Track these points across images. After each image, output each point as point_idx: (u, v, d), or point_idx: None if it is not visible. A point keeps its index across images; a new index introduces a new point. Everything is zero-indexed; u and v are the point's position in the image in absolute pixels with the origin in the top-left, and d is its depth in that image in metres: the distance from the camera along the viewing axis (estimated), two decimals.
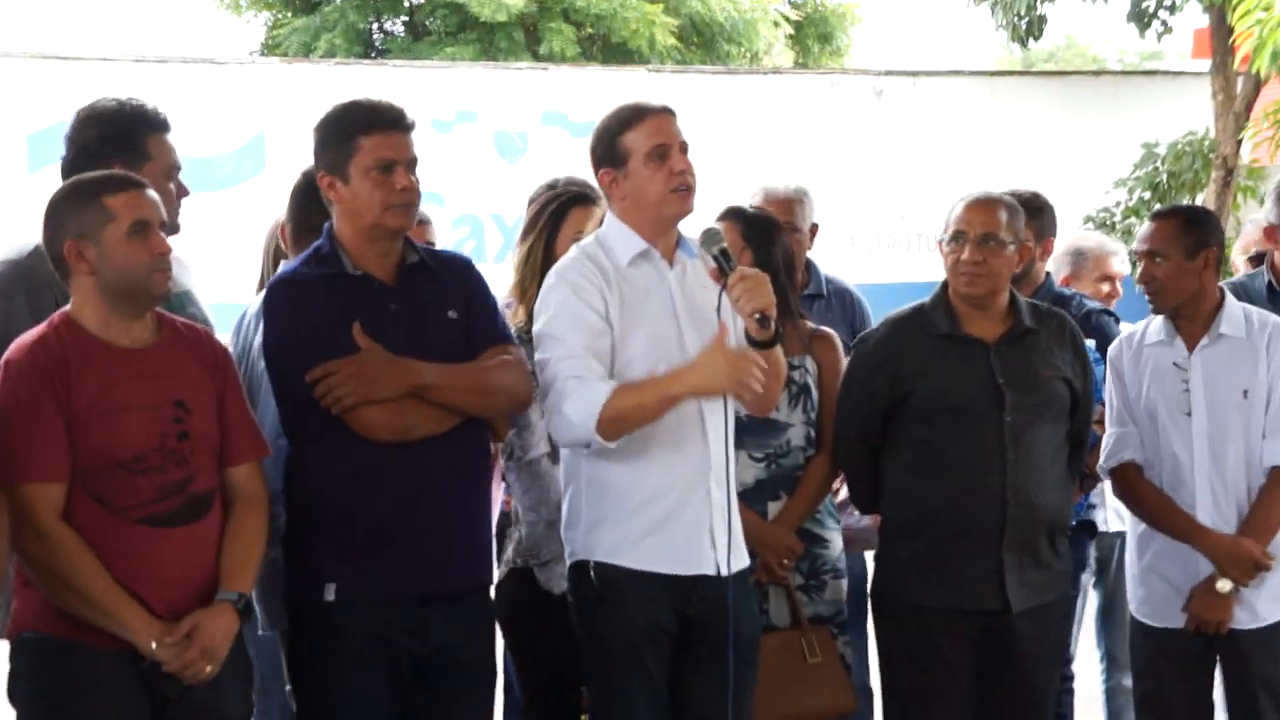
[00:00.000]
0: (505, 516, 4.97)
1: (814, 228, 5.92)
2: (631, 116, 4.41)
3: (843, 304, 5.94)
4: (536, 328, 4.40)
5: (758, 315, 4.20)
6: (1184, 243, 4.95)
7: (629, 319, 4.34)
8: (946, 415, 4.81)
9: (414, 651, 4.23)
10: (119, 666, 3.89)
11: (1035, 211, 5.64)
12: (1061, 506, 4.90)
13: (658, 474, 4.34)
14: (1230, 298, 5.03)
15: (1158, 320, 5.06)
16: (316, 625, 4.23)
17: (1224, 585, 4.87)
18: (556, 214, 4.95)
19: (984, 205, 4.86)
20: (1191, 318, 5.00)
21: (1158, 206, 14.74)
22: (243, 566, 4.06)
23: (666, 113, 4.43)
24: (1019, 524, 4.76)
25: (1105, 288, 6.57)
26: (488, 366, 4.31)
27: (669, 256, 4.45)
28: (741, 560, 4.47)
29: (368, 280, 4.26)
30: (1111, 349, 5.19)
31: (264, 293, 4.38)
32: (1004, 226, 4.81)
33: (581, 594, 4.43)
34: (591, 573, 4.37)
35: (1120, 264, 6.81)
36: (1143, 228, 5.11)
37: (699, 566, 4.37)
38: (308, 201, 4.55)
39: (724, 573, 4.38)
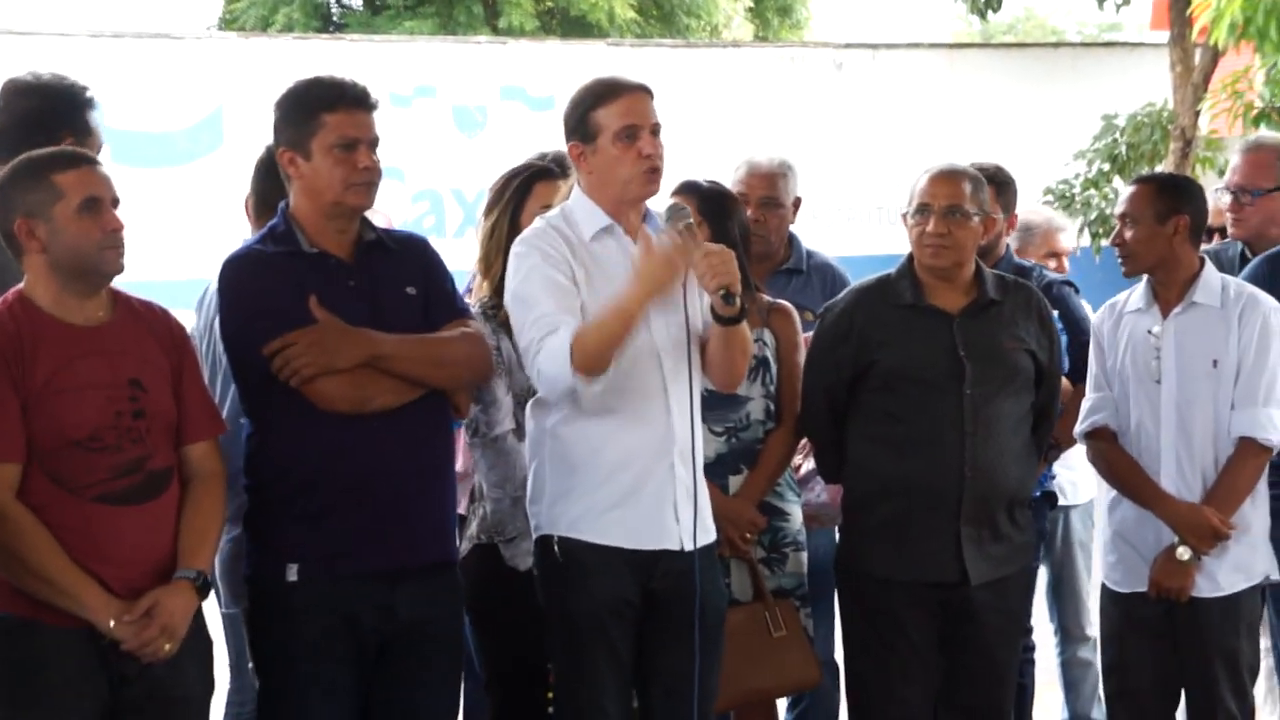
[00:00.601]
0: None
1: (797, 201, 5.91)
2: (605, 92, 4.38)
3: (823, 279, 5.91)
4: (507, 296, 4.38)
5: (722, 291, 4.19)
6: (1155, 208, 4.97)
7: (592, 292, 4.32)
8: (908, 386, 4.81)
9: (379, 629, 4.22)
10: (77, 645, 3.87)
11: (1000, 185, 5.66)
12: (1023, 479, 4.91)
13: (621, 448, 4.33)
14: (1210, 267, 5.04)
15: (1140, 287, 5.09)
16: (278, 605, 4.21)
17: (1183, 553, 4.89)
18: (521, 189, 4.93)
19: (948, 177, 4.86)
20: (1167, 285, 5.02)
21: (1117, 178, 14.80)
22: (201, 544, 4.04)
23: (642, 91, 4.40)
24: (977, 497, 4.77)
25: (1052, 264, 6.58)
26: (446, 337, 4.30)
27: (633, 232, 4.42)
28: (707, 535, 4.46)
29: (324, 258, 4.24)
30: (1095, 316, 5.21)
31: (218, 272, 4.35)
32: (968, 198, 4.81)
33: (546, 569, 4.42)
34: (555, 547, 4.36)
35: (1068, 240, 6.83)
36: (1123, 191, 5.15)
37: (663, 541, 4.37)
38: (271, 177, 4.53)
39: (688, 547, 4.38)
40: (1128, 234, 5.01)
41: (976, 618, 4.84)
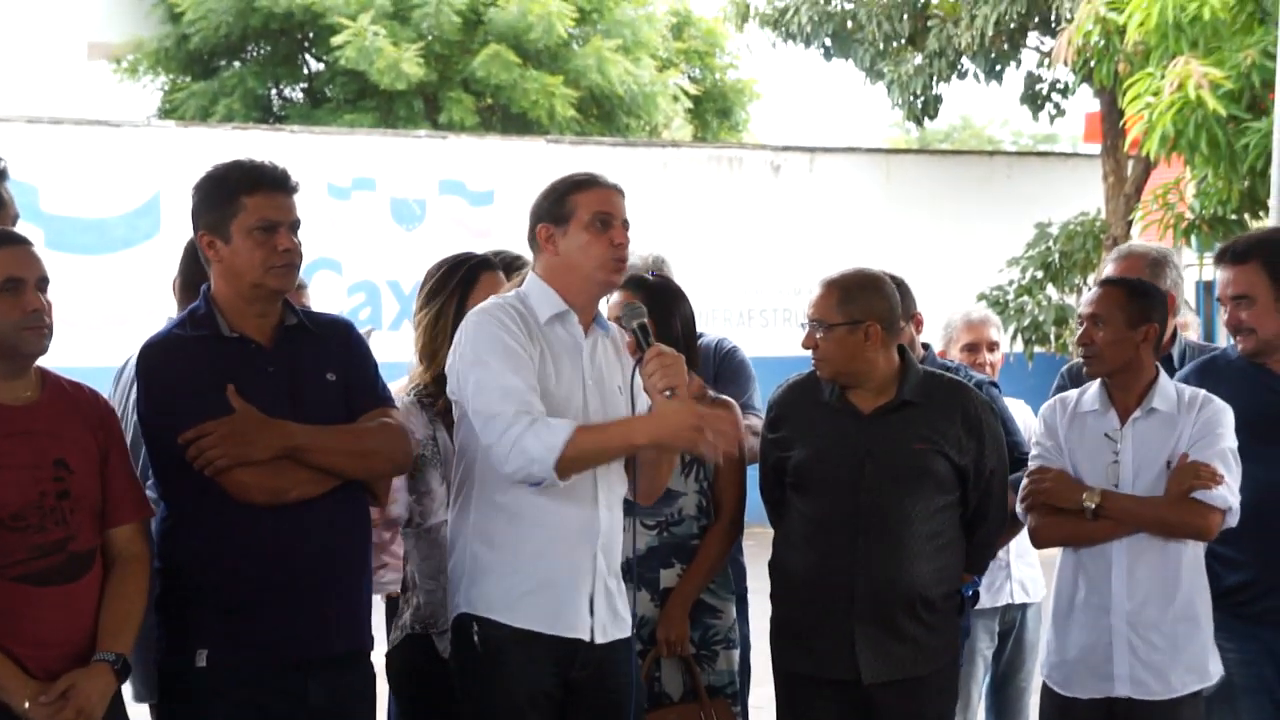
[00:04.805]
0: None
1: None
2: (585, 181, 4.46)
3: (707, 358, 5.82)
4: (457, 359, 4.34)
5: (669, 393, 4.25)
6: (1127, 311, 4.99)
7: (544, 375, 4.34)
8: (813, 483, 4.86)
9: (291, 718, 4.16)
10: None
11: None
12: (930, 578, 4.83)
13: (544, 533, 4.32)
14: (1163, 374, 5.07)
15: (1093, 389, 5.08)
16: (188, 692, 4.16)
17: (1088, 498, 4.88)
18: (467, 277, 4.95)
19: (820, 289, 4.90)
20: (1125, 389, 5.02)
21: (1050, 285, 14.94)
22: (122, 627, 3.99)
23: (617, 190, 4.49)
24: (870, 596, 4.76)
25: (975, 356, 6.58)
26: (365, 428, 4.27)
27: (587, 323, 4.47)
28: (621, 631, 4.46)
29: (244, 342, 4.22)
30: (1044, 406, 5.18)
31: (137, 355, 4.33)
32: (835, 309, 4.82)
33: (463, 654, 4.39)
34: (474, 630, 4.34)
35: (995, 333, 6.82)
36: (1089, 292, 5.16)
37: (575, 630, 4.35)
38: (197, 260, 4.53)
39: (599, 640, 4.37)
40: (1097, 335, 5.01)
41: (884, 719, 4.81)
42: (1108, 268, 5.88)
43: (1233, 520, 4.87)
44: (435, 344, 4.84)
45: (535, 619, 4.32)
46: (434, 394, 4.73)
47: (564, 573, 4.33)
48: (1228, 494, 4.84)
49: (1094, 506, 4.87)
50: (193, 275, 4.62)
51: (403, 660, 4.72)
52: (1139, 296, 5.04)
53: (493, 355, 4.27)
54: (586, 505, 4.36)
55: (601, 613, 4.39)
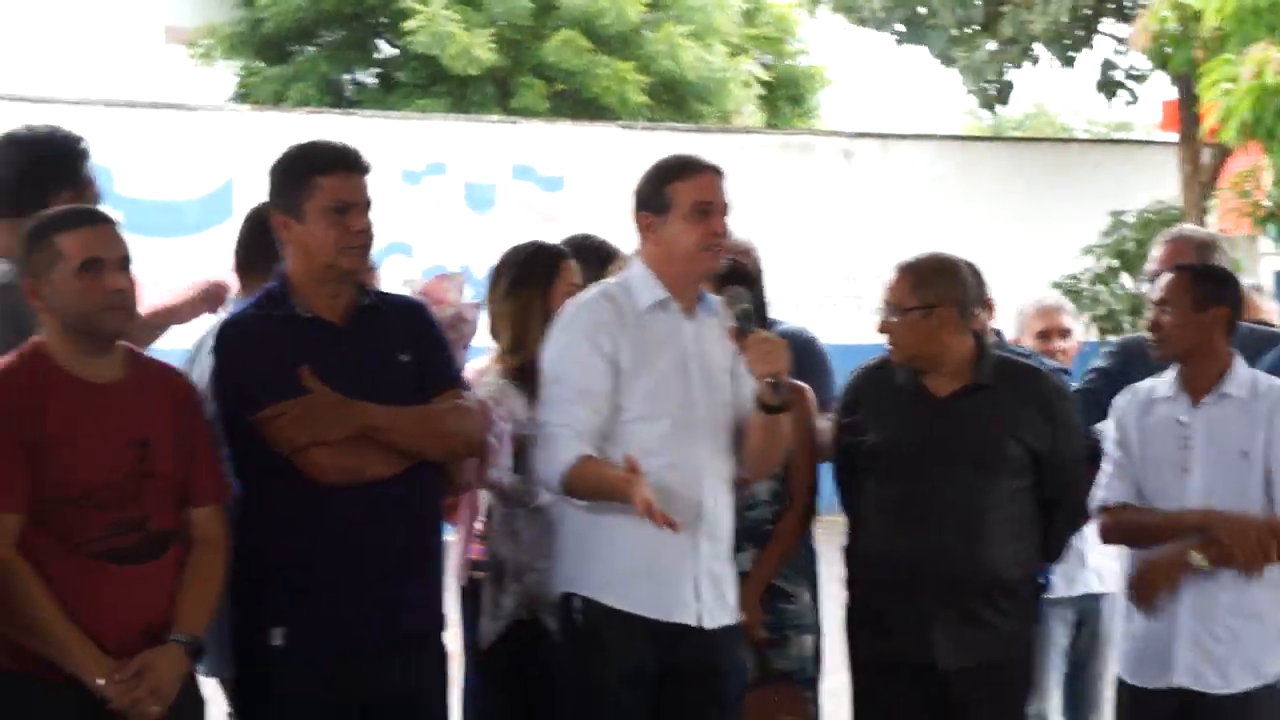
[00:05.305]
0: (474, 565, 4.94)
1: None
2: (682, 168, 4.48)
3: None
4: (545, 366, 4.45)
5: (770, 379, 4.27)
6: (1193, 295, 4.94)
7: (638, 363, 4.38)
8: (888, 467, 4.85)
9: (363, 698, 4.18)
10: (62, 701, 3.83)
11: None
12: (1006, 563, 4.81)
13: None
14: (1240, 359, 5.02)
15: (1168, 375, 5.03)
16: (263, 671, 4.19)
17: (1197, 558, 4.78)
18: (549, 269, 4.98)
19: (895, 274, 4.89)
20: (1198, 374, 4.97)
21: (1124, 274, 14.83)
22: (197, 609, 4.01)
23: (716, 173, 4.50)
24: (945, 580, 4.75)
25: (1048, 343, 6.54)
26: (439, 409, 4.29)
27: (689, 309, 4.50)
28: (729, 617, 4.48)
29: (318, 322, 4.24)
30: (1117, 399, 5.13)
31: (215, 334, 4.36)
32: (909, 294, 4.81)
33: (565, 629, 4.43)
34: (575, 611, 4.38)
35: (1068, 320, 6.77)
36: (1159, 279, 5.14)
37: (679, 614, 4.38)
38: (253, 235, 4.66)
39: (707, 625, 4.40)
40: (1164, 319, 4.98)
41: (960, 705, 4.80)
42: (1155, 251, 5.84)
43: None
44: (521, 333, 4.88)
45: (636, 601, 4.35)
46: (526, 377, 4.76)
47: (666, 556, 4.34)
48: None
49: (1200, 562, 4.80)
50: (249, 255, 4.74)
51: (508, 652, 4.73)
52: (1206, 281, 5.01)
53: (563, 365, 4.39)
54: (690, 488, 4.38)
55: (708, 597, 4.42)
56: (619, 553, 4.35)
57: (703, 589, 4.41)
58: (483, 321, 5.14)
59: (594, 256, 5.28)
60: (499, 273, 5.04)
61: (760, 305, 5.19)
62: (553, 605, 4.59)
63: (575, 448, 4.28)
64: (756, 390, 4.38)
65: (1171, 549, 4.82)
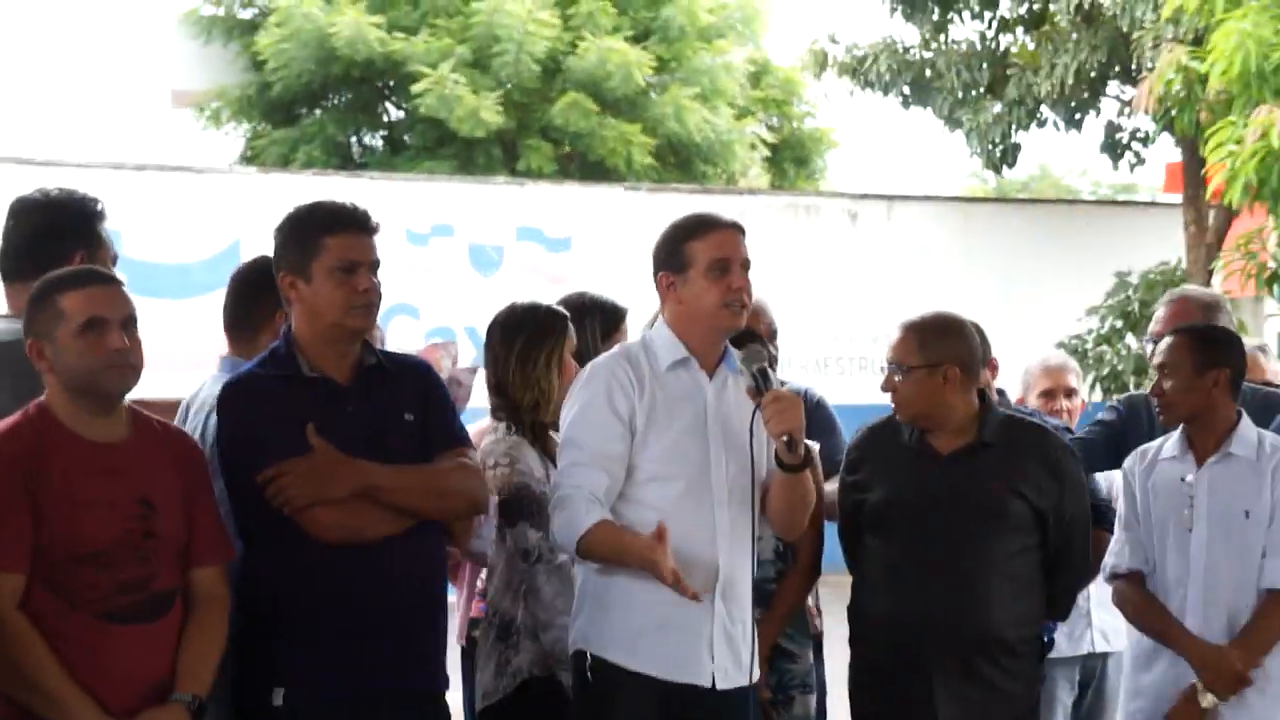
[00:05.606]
0: (473, 623, 4.92)
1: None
2: (700, 226, 4.49)
3: None
4: (564, 425, 4.45)
5: (786, 437, 4.29)
6: (1194, 359, 4.98)
7: (656, 423, 4.39)
8: (891, 525, 4.84)
9: None
10: None
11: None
12: (1008, 622, 4.79)
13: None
14: (1246, 419, 5.03)
15: (1175, 436, 5.08)
16: None
17: (1207, 699, 4.84)
18: (560, 332, 5.00)
19: (898, 333, 4.89)
20: (1203, 435, 5.01)
21: (1129, 335, 14.84)
22: (199, 668, 4.00)
23: (734, 229, 4.51)
24: (947, 639, 4.73)
25: (1052, 402, 6.53)
26: (443, 469, 4.29)
27: (711, 367, 4.50)
28: (742, 678, 4.45)
29: (324, 382, 4.25)
30: (1126, 460, 5.18)
31: (219, 393, 4.36)
32: (913, 353, 4.82)
33: (577, 686, 4.44)
34: (588, 668, 4.37)
35: (1074, 380, 6.77)
36: (1161, 342, 5.15)
37: (693, 675, 4.37)
38: (242, 300, 4.68)
39: (720, 686, 4.38)
40: (1166, 385, 5.01)
41: None
42: (1158, 312, 5.85)
43: None
44: (535, 395, 4.89)
45: (647, 660, 4.35)
46: (540, 434, 4.82)
47: (682, 616, 4.32)
48: None
49: (1209, 704, 4.86)
50: (237, 315, 4.72)
51: (519, 709, 4.71)
52: (1207, 343, 5.04)
53: (578, 426, 4.39)
54: (705, 547, 4.37)
55: (722, 657, 4.40)
56: (634, 612, 4.35)
57: (718, 649, 4.40)
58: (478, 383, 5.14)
59: (595, 314, 5.35)
60: (504, 335, 5.03)
61: (772, 364, 5.20)
62: (568, 663, 4.59)
63: (593, 512, 4.28)
64: (774, 449, 4.38)
65: (1185, 697, 4.91)
